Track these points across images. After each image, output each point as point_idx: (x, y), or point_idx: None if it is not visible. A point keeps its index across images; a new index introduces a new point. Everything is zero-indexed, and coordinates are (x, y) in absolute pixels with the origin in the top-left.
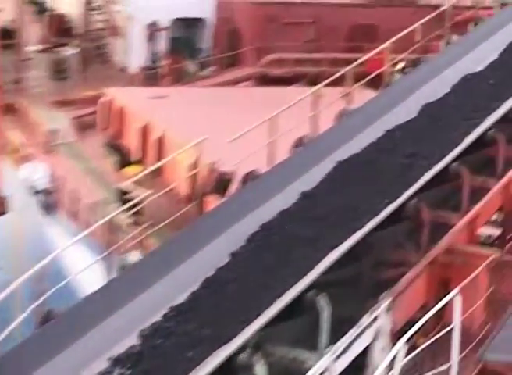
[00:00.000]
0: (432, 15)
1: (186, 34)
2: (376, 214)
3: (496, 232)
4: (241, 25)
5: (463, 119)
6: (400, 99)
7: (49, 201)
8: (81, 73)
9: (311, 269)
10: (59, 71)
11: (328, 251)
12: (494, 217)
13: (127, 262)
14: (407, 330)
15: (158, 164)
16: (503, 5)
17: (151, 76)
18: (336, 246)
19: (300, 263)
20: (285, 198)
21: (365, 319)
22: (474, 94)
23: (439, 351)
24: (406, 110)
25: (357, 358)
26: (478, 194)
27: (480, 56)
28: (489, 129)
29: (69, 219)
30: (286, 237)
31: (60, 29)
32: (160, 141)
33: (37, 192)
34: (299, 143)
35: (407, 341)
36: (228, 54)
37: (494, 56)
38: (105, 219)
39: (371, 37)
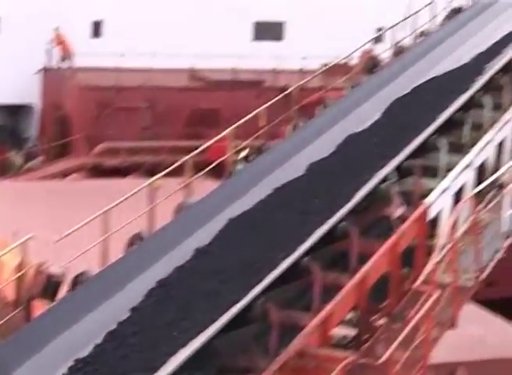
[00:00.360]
0: (278, 98)
1: (10, 122)
2: (271, 269)
3: (350, 332)
4: (71, 111)
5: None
6: (245, 190)
7: None
8: None
9: (211, 321)
10: None
11: (228, 305)
12: (348, 316)
13: None
14: None
15: None
16: (353, 86)
17: None
18: (236, 300)
19: (200, 316)
20: (180, 255)
21: None
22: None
23: None
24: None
25: None
26: (330, 291)
27: (328, 143)
28: (341, 221)
29: None
30: (183, 291)
31: None
32: None
33: None
34: (135, 239)
35: None
36: (57, 143)
37: (341, 140)
38: None
39: (213, 122)
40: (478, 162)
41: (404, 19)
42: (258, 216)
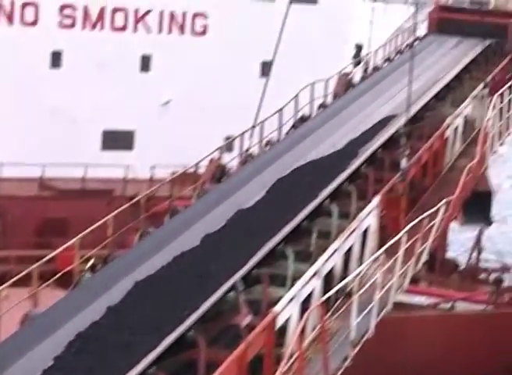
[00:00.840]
0: (125, 206)
1: None
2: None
3: None
4: None
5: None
6: (89, 300)
7: None
8: None
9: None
10: None
11: (141, 355)
12: None
13: None
14: None
15: None
16: (200, 195)
17: None
18: (148, 350)
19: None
20: (94, 312)
21: None
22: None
23: None
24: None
25: None
26: None
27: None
28: (189, 330)
29: None
30: (101, 343)
31: None
32: None
33: None
34: None
35: None
36: None
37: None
38: None
39: (62, 231)
40: (325, 271)
41: (252, 128)
42: (101, 330)
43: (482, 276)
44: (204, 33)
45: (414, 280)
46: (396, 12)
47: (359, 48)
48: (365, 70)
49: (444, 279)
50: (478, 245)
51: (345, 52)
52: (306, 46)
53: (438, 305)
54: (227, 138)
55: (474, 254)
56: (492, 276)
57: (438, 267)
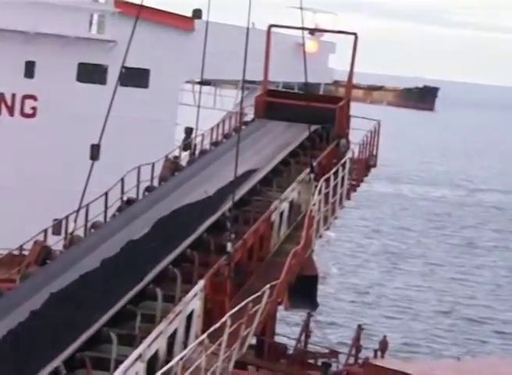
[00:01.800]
0: None
1: None
2: None
3: None
4: None
5: None
6: None
7: None
8: None
9: None
10: None
11: None
12: None
13: None
14: None
15: None
16: (22, 278)
17: None
18: None
19: None
20: None
21: None
22: None
23: None
24: None
25: None
26: None
27: None
28: None
29: None
30: None
31: None
32: None
33: None
34: None
35: None
36: None
37: None
38: None
39: None
40: (149, 354)
41: (77, 211)
42: None
43: (311, 360)
44: (33, 115)
45: (243, 365)
46: (228, 95)
47: (189, 131)
48: (192, 154)
49: (272, 363)
50: (306, 330)
51: (174, 136)
52: (136, 129)
53: None
54: (55, 220)
55: (303, 338)
56: (320, 361)
57: (266, 352)
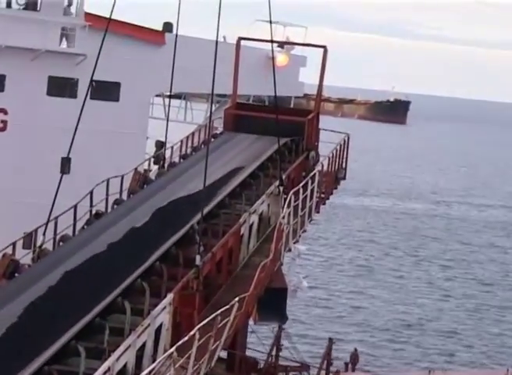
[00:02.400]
0: None
1: None
2: None
3: None
4: None
5: None
6: None
7: None
8: None
9: None
10: None
11: None
12: None
13: None
14: None
15: None
16: None
17: None
18: None
19: None
20: None
21: None
22: None
23: None
24: None
25: None
26: None
27: None
28: None
29: None
30: None
31: None
32: None
33: None
34: None
35: None
36: None
37: None
38: None
39: None
40: (118, 367)
41: (46, 224)
42: None
43: (281, 374)
44: (3, 128)
45: None
46: (199, 109)
47: (159, 145)
48: (162, 167)
49: None
50: (277, 343)
51: (144, 149)
52: (107, 142)
53: None
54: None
55: (274, 352)
56: None
57: (237, 365)
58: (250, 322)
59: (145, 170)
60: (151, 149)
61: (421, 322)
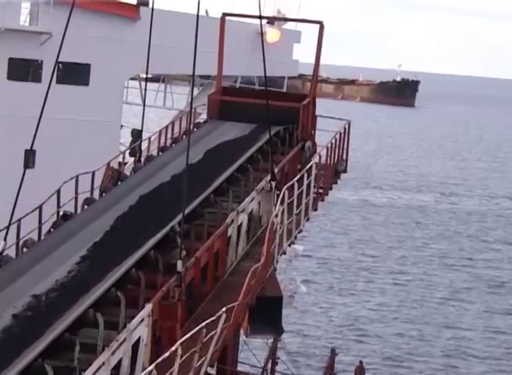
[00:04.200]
0: None
1: None
2: None
3: None
4: None
5: None
6: None
7: None
8: None
9: None
10: None
11: None
12: None
13: None
14: None
15: None
16: None
17: None
18: None
19: None
20: None
21: None
22: None
23: None
24: None
25: None
26: None
27: None
28: None
29: None
30: None
31: None
32: None
33: None
34: None
35: None
36: None
37: None
38: None
39: None
40: None
41: (7, 227)
42: None
43: None
44: None
45: None
46: (180, 93)
47: (136, 134)
48: (138, 161)
49: None
50: (273, 357)
51: (119, 139)
52: (76, 131)
53: None
54: None
55: (269, 366)
56: None
57: None
58: (242, 334)
59: (119, 163)
60: (126, 139)
61: (433, 331)
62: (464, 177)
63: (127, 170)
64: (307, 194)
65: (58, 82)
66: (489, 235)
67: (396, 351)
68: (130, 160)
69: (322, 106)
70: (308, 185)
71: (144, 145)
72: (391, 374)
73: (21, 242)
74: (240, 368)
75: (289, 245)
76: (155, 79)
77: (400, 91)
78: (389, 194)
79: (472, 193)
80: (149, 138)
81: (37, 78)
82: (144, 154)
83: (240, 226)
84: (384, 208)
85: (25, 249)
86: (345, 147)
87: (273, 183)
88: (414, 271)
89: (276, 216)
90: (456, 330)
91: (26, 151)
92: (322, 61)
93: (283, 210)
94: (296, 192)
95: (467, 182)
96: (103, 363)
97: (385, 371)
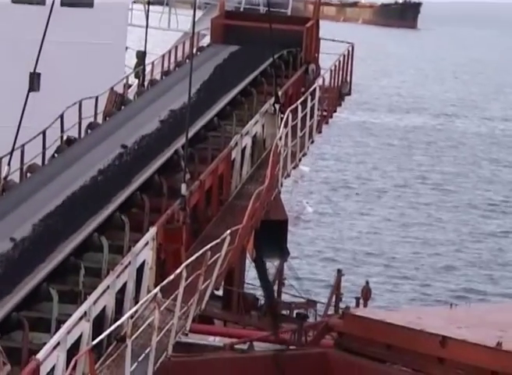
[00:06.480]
0: None
1: None
2: None
3: None
4: None
5: None
6: None
7: None
8: None
9: None
10: None
11: None
12: None
13: None
14: None
15: None
16: None
17: None
18: None
19: None
20: None
21: None
22: None
23: None
24: None
25: None
26: None
27: None
28: None
29: None
30: None
31: None
32: None
33: None
34: None
35: None
36: None
37: None
38: None
39: None
40: (95, 312)
41: (11, 153)
42: None
43: (284, 312)
44: None
45: (208, 319)
46: (184, 14)
47: (141, 56)
48: (142, 85)
49: (242, 317)
50: (279, 278)
51: (123, 61)
52: (81, 54)
53: (234, 345)
54: None
55: (275, 287)
56: (295, 312)
57: (235, 304)
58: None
59: (124, 85)
60: (131, 61)
61: (439, 250)
62: (462, 99)
63: (131, 94)
64: (311, 116)
65: (62, 4)
66: (486, 158)
67: (405, 271)
68: (135, 82)
69: (325, 29)
70: (312, 108)
71: (148, 69)
72: (399, 295)
73: (25, 167)
74: (246, 290)
75: (294, 168)
76: (159, 2)
77: (401, 13)
78: (389, 116)
79: (470, 115)
80: (152, 62)
81: (41, 1)
82: (148, 78)
83: (244, 150)
84: (384, 130)
85: (29, 174)
86: (349, 69)
87: (277, 106)
88: (421, 191)
89: (280, 138)
90: (462, 248)
91: (30, 73)
92: None
93: (287, 133)
94: (300, 115)
95: (465, 103)
96: (108, 287)
97: (392, 292)
